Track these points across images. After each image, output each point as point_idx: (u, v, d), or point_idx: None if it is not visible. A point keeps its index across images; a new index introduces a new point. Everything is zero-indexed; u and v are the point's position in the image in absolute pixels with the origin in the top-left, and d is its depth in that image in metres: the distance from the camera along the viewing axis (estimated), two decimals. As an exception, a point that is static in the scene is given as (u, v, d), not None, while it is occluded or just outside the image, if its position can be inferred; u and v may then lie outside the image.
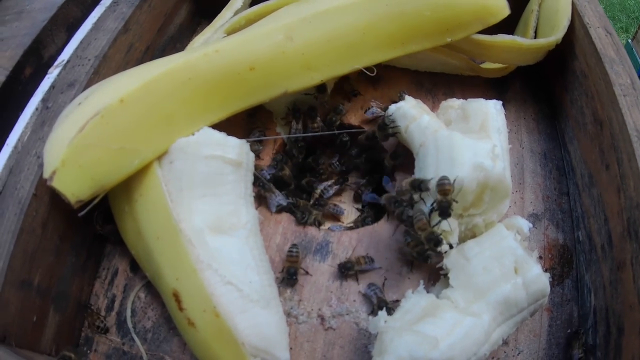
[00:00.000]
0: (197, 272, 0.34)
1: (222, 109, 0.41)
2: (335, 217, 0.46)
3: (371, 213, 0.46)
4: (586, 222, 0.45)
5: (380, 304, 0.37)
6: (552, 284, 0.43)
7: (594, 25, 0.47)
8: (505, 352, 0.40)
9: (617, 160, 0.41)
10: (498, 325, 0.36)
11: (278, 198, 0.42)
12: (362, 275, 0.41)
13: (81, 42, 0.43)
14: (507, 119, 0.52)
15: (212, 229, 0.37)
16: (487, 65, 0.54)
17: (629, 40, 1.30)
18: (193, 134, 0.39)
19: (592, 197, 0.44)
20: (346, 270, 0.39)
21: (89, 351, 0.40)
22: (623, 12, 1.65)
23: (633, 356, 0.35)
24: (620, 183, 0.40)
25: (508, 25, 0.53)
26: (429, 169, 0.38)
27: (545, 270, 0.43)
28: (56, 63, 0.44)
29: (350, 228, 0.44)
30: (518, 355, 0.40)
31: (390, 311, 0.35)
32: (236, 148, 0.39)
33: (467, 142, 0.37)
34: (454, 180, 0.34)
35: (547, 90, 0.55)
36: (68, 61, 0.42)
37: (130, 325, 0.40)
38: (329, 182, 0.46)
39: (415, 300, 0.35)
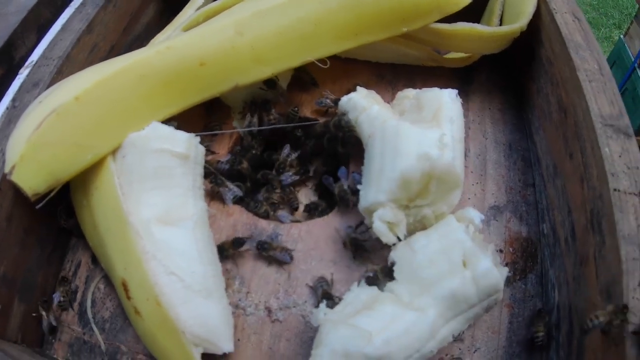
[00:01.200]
0: (142, 262, 0.34)
1: (175, 104, 0.41)
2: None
3: (323, 204, 0.44)
4: (551, 214, 0.42)
5: (324, 296, 0.35)
6: (513, 279, 0.40)
7: (560, 11, 0.44)
8: (460, 350, 0.37)
9: (581, 148, 0.38)
10: (447, 321, 0.33)
11: (233, 190, 0.42)
12: (313, 269, 0.39)
13: (49, 44, 0.44)
14: (471, 109, 0.49)
15: (160, 220, 0.36)
16: (451, 55, 0.51)
17: (621, 37, 1.24)
18: (143, 129, 0.39)
19: (556, 188, 0.41)
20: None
21: (54, 340, 0.40)
22: (616, 8, 1.58)
23: (595, 357, 0.32)
24: (584, 172, 0.37)
25: (477, 14, 0.51)
26: (375, 159, 0.36)
27: (506, 265, 0.41)
28: (26, 64, 0.45)
29: (298, 220, 0.43)
30: (475, 352, 0.37)
31: (333, 304, 0.34)
32: (184, 142, 0.38)
33: (414, 131, 0.35)
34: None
35: (514, 79, 0.52)
36: (36, 62, 0.43)
37: (90, 315, 0.40)
38: (290, 173, 0.45)
39: (358, 293, 0.33)
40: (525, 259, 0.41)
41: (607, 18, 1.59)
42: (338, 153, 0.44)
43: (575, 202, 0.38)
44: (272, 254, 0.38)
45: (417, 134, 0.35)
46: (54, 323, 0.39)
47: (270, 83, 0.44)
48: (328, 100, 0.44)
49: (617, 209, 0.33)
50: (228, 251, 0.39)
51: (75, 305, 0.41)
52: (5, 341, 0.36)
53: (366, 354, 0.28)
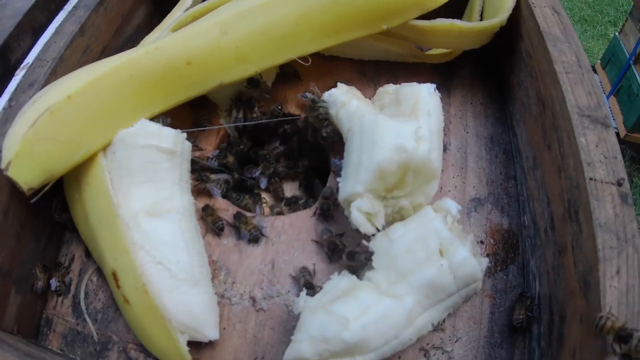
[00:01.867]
0: (130, 252, 0.35)
1: (163, 102, 0.41)
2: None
3: (303, 198, 0.45)
4: (531, 205, 0.41)
5: (305, 285, 0.35)
6: (495, 270, 0.40)
7: (539, 5, 0.44)
8: (441, 339, 0.37)
9: (558, 139, 0.38)
10: (425, 310, 0.33)
11: (219, 180, 0.42)
12: (296, 260, 0.40)
13: (43, 46, 0.46)
14: (453, 104, 0.50)
15: (148, 212, 0.37)
16: (432, 51, 0.52)
17: (617, 34, 1.23)
18: (132, 126, 0.40)
19: (536, 180, 0.41)
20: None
21: (48, 332, 0.41)
22: (611, 5, 1.57)
23: (574, 346, 0.31)
24: (561, 163, 0.37)
25: (459, 10, 0.51)
26: (353, 152, 0.37)
27: (487, 256, 0.40)
28: (22, 66, 0.47)
29: (280, 212, 0.43)
30: (456, 342, 0.37)
31: (314, 293, 0.34)
32: (171, 138, 0.39)
33: (391, 124, 0.36)
34: None
35: (495, 74, 0.52)
36: (31, 64, 0.45)
37: (83, 307, 0.41)
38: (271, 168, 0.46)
39: (337, 281, 0.34)
40: (506, 250, 0.41)
41: (603, 15, 1.57)
42: (322, 146, 0.45)
43: (554, 193, 0.38)
44: (242, 228, 0.38)
45: (394, 127, 0.35)
46: (52, 287, 0.39)
47: (253, 82, 0.44)
48: (309, 94, 0.45)
49: (593, 198, 0.32)
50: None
51: (70, 297, 0.42)
52: (1, 331, 0.37)
53: (343, 339, 0.29)
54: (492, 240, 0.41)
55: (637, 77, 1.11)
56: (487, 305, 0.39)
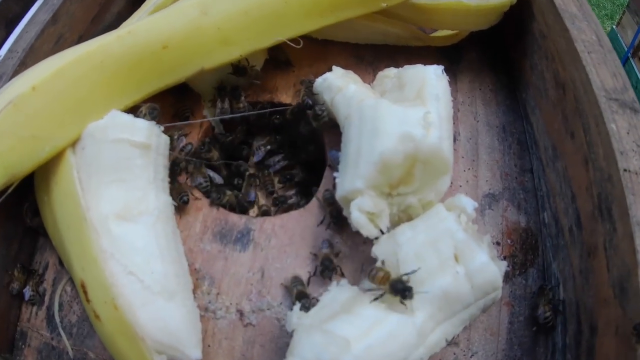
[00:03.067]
0: (98, 261, 0.29)
1: (138, 91, 0.35)
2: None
3: (293, 198, 0.38)
4: (552, 201, 0.35)
5: (299, 296, 0.29)
6: (513, 274, 0.34)
7: (553, -19, 0.38)
8: (455, 354, 0.31)
9: (583, 126, 0.32)
10: (438, 324, 0.27)
11: (208, 176, 0.36)
12: (289, 267, 0.33)
13: (16, 37, 0.40)
14: (460, 90, 0.43)
15: (119, 216, 0.31)
16: (437, 33, 0.45)
17: (614, 27, 1.17)
18: (103, 118, 0.34)
19: (557, 172, 0.35)
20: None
21: (23, 346, 0.35)
22: None
23: None
24: (588, 152, 0.31)
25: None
26: (352, 142, 0.30)
27: (504, 258, 0.34)
28: (-6, 60, 0.41)
29: (267, 212, 0.37)
30: (471, 357, 0.31)
31: (310, 304, 0.28)
32: (144, 130, 0.33)
33: (395, 110, 0.29)
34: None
35: (506, 57, 0.45)
36: (3, 57, 0.39)
37: (57, 319, 0.35)
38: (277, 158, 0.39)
39: (335, 294, 0.27)
40: (525, 251, 0.35)
41: (599, 9, 1.51)
42: (317, 136, 0.38)
43: (580, 187, 0.32)
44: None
45: (399, 113, 0.29)
46: (25, 297, 0.35)
47: (240, 70, 0.38)
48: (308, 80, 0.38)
49: (628, 192, 0.26)
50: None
51: (44, 308, 0.36)
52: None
53: (342, 365, 0.23)
54: (509, 241, 0.35)
55: (636, 70, 1.05)
56: (505, 315, 0.32)
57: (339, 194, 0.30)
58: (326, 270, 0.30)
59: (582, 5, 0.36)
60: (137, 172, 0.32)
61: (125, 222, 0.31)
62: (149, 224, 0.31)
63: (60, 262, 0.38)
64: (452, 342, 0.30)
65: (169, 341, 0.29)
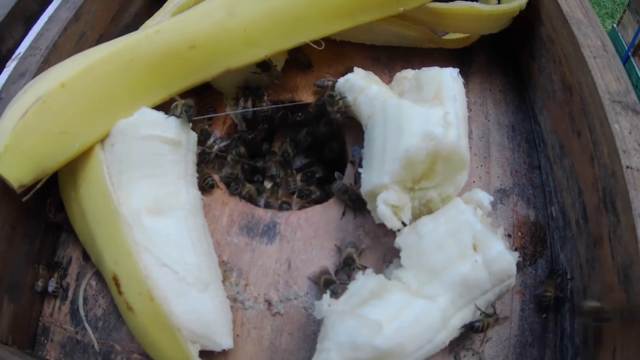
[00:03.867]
0: (132, 254, 0.30)
1: (166, 89, 0.37)
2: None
3: (317, 192, 0.40)
4: (559, 196, 0.38)
5: (326, 283, 0.31)
6: (524, 264, 0.37)
7: (560, -11, 0.41)
8: (471, 339, 0.33)
9: (589, 126, 0.34)
10: (458, 309, 0.29)
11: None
12: (314, 258, 0.35)
13: (36, 34, 0.41)
14: (472, 91, 0.46)
15: (150, 210, 0.33)
16: (449, 36, 0.48)
17: (614, 25, 1.21)
18: (133, 115, 0.35)
19: (564, 169, 0.38)
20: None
21: (45, 341, 0.36)
22: None
23: (614, 343, 0.28)
24: (593, 150, 0.34)
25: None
26: (376, 140, 0.33)
27: (515, 250, 0.37)
28: (13, 56, 0.42)
29: (286, 202, 0.38)
30: (486, 342, 0.33)
31: (337, 292, 0.30)
32: (175, 127, 0.34)
33: (417, 110, 0.32)
34: None
35: (514, 60, 0.48)
36: (22, 54, 0.40)
37: (82, 313, 0.36)
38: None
39: (363, 282, 0.29)
40: (534, 243, 0.38)
41: (600, 8, 1.54)
42: (338, 136, 0.40)
43: (586, 182, 0.34)
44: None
45: (421, 113, 0.31)
46: (49, 288, 0.36)
47: (264, 66, 0.40)
48: (328, 83, 0.40)
49: (631, 187, 0.29)
50: None
51: (67, 303, 0.37)
52: (-5, 343, 0.32)
53: (376, 345, 0.25)
54: (519, 233, 0.38)
55: (636, 69, 1.08)
56: (517, 302, 0.35)
57: (364, 189, 0.32)
58: (347, 267, 0.32)
59: (587, 12, 0.39)
60: (168, 167, 0.34)
61: (157, 216, 0.32)
62: (180, 217, 0.33)
63: (84, 257, 0.39)
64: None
65: (203, 331, 0.30)
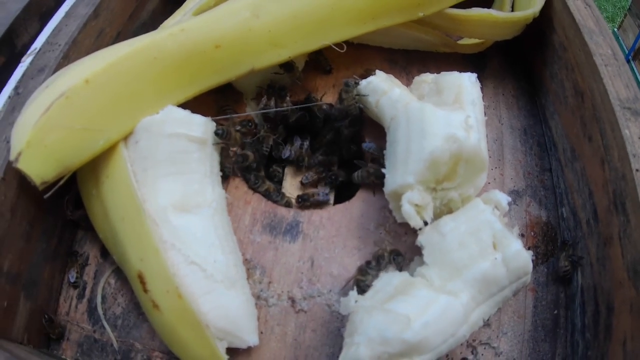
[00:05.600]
0: (159, 251, 0.31)
1: (189, 88, 0.38)
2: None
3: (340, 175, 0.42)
4: (570, 197, 0.40)
5: (358, 283, 0.32)
6: (536, 263, 0.39)
7: (571, -2, 0.43)
8: (488, 335, 0.35)
9: (600, 131, 0.37)
10: (477, 305, 0.31)
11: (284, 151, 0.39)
12: (337, 256, 0.37)
13: (53, 30, 0.41)
14: (485, 95, 0.48)
15: (177, 207, 0.33)
16: (464, 41, 0.50)
17: (615, 29, 1.25)
18: (158, 113, 0.36)
19: (575, 172, 0.40)
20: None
21: (61, 340, 0.37)
22: (609, 1, 1.59)
23: (625, 335, 0.30)
24: (604, 154, 0.36)
25: (486, 1, 0.50)
26: (400, 141, 0.34)
27: (528, 249, 0.39)
28: (29, 52, 0.42)
29: (305, 200, 0.39)
30: (502, 337, 0.35)
31: (363, 291, 0.31)
32: (201, 126, 0.35)
33: (440, 113, 0.33)
34: None
35: (526, 65, 0.51)
36: (40, 49, 0.40)
37: (100, 312, 0.37)
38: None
39: (388, 279, 0.31)
40: (546, 243, 0.40)
41: (601, 11, 1.59)
42: (359, 138, 0.42)
43: (597, 184, 0.37)
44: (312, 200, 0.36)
45: (443, 116, 0.33)
46: (70, 279, 0.36)
47: (287, 67, 0.41)
48: (354, 82, 0.42)
49: (640, 189, 0.31)
50: None
51: (84, 301, 0.38)
52: (10, 342, 0.33)
53: (405, 339, 0.26)
54: (532, 233, 0.40)
55: (637, 73, 1.12)
56: (530, 299, 0.37)
57: (388, 189, 0.34)
58: (378, 263, 0.33)
59: (598, 21, 0.42)
60: (194, 165, 0.35)
61: (184, 214, 0.33)
62: (207, 215, 0.34)
63: (102, 255, 0.39)
64: (485, 324, 0.35)
65: (230, 328, 0.31)
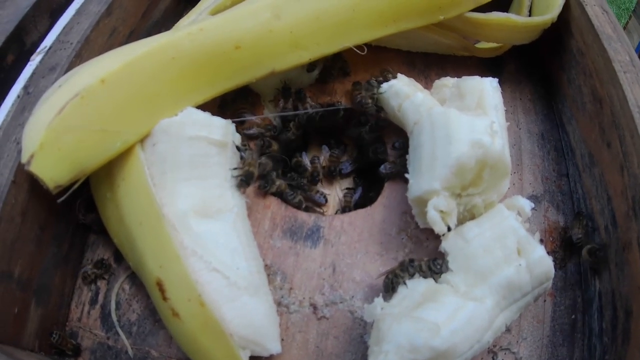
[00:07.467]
0: (180, 258, 0.31)
1: (208, 89, 0.37)
2: (317, 204, 0.42)
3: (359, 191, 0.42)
4: (588, 203, 0.41)
5: (392, 279, 0.32)
6: (554, 268, 0.40)
7: (590, 4, 0.44)
8: (508, 340, 0.36)
9: (619, 137, 0.38)
10: (501, 311, 0.32)
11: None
12: (359, 262, 0.37)
13: (64, 27, 0.40)
14: (503, 99, 0.49)
15: (197, 213, 0.33)
16: (482, 44, 0.50)
17: None
18: (177, 115, 0.35)
19: (593, 177, 0.41)
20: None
21: (78, 357, 0.36)
22: (613, 3, 1.61)
23: None
24: (624, 161, 0.37)
25: (502, 4, 0.50)
26: (424, 146, 0.34)
27: (548, 254, 0.40)
28: (39, 50, 0.41)
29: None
30: (522, 342, 0.36)
31: (388, 297, 0.32)
32: (221, 128, 0.35)
33: (464, 118, 0.34)
34: None
35: (543, 70, 0.51)
36: (50, 47, 0.39)
37: (114, 318, 0.36)
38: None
39: (413, 285, 0.31)
40: (563, 248, 0.41)
41: None
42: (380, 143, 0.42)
43: (615, 190, 0.37)
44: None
45: (468, 121, 0.33)
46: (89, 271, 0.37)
47: (310, 67, 0.41)
48: (375, 81, 0.42)
49: (659, 196, 0.32)
50: None
51: (97, 308, 0.37)
52: (21, 350, 0.32)
53: (434, 346, 0.27)
54: (550, 238, 0.41)
55: None
56: (549, 304, 0.38)
57: (413, 194, 0.34)
58: (404, 271, 0.33)
59: (615, 27, 0.42)
60: (214, 169, 0.34)
61: (205, 220, 0.33)
62: (229, 221, 0.33)
63: (116, 260, 0.39)
64: (507, 329, 0.35)
65: (253, 336, 0.31)
